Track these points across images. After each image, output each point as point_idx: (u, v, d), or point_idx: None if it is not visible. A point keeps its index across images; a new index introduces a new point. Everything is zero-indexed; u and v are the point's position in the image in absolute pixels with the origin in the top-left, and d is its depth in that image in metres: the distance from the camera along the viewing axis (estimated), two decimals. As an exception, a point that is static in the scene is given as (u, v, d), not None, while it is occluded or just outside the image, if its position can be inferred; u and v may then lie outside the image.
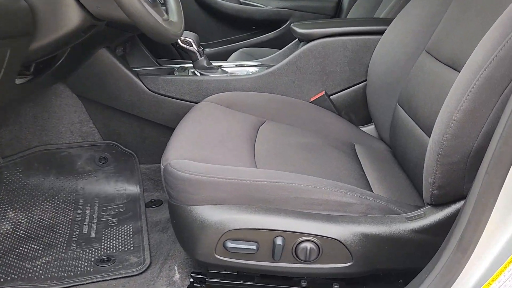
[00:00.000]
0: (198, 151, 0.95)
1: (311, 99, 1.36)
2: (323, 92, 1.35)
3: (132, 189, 1.43)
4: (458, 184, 0.77)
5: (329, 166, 1.03)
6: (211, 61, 1.47)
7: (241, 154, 0.99)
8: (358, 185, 0.98)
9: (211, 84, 1.37)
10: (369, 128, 1.34)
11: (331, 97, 1.36)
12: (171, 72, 1.47)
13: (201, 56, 1.40)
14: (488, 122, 0.71)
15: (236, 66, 1.51)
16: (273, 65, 1.38)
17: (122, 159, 1.47)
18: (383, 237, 0.82)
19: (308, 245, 0.81)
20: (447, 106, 0.75)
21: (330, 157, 1.08)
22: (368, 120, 1.37)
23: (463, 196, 0.79)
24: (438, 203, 0.81)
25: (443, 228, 0.80)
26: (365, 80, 1.35)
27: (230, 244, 0.82)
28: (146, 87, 1.37)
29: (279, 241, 0.81)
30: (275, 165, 0.98)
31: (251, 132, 1.14)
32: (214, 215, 0.82)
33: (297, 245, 0.81)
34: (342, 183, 0.88)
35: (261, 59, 1.54)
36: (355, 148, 1.21)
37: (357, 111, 1.38)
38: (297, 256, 0.82)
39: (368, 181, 1.02)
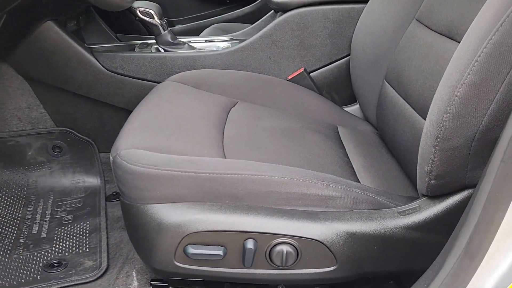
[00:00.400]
0: (155, 139, 0.81)
1: (289, 77, 1.22)
2: (302, 69, 1.21)
3: (92, 181, 1.28)
4: (460, 173, 0.65)
5: (309, 153, 0.90)
6: (179, 37, 1.31)
7: (207, 142, 0.85)
8: (343, 174, 0.85)
9: (176, 61, 1.21)
10: (354, 108, 1.21)
11: (311, 74, 1.23)
12: (131, 48, 1.31)
13: (164, 30, 1.24)
14: (498, 98, 0.59)
15: (206, 41, 1.35)
16: (246, 39, 1.23)
17: (79, 147, 1.31)
18: (372, 236, 0.70)
19: (285, 248, 0.68)
20: (447, 80, 0.63)
21: (311, 143, 0.95)
22: (352, 100, 1.24)
23: (465, 186, 0.67)
24: (436, 195, 0.70)
25: (442, 224, 0.69)
26: (349, 55, 1.21)
27: (192, 250, 0.68)
28: (102, 66, 1.21)
29: (250, 244, 0.68)
30: (247, 154, 0.84)
31: (221, 115, 1.00)
32: (172, 216, 0.69)
33: (272, 248, 0.69)
34: (323, 173, 0.75)
35: (233, 34, 1.39)
36: (338, 131, 1.08)
37: (340, 89, 1.25)
38: (271, 261, 0.69)
39: (354, 169, 0.90)
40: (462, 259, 0.52)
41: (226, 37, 1.36)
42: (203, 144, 0.84)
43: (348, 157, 0.95)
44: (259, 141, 0.91)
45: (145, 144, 0.78)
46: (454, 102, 0.60)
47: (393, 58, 1.00)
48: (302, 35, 1.19)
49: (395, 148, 0.96)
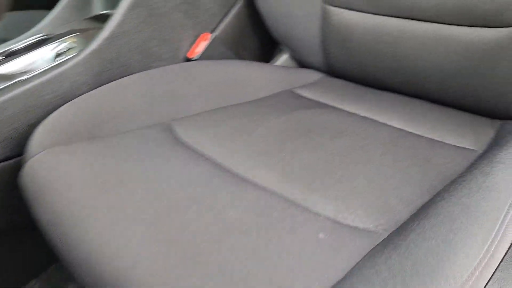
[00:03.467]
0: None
1: (190, 55, 0.79)
2: (209, 35, 0.79)
3: None
4: None
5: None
6: None
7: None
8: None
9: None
10: (282, 61, 0.90)
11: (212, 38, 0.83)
12: None
13: None
14: None
15: (6, 57, 0.73)
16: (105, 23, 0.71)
17: None
18: None
19: None
20: None
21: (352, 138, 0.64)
22: (269, 54, 0.92)
23: None
24: None
25: None
26: None
27: None
28: None
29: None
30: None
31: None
32: None
33: None
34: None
35: (36, 28, 0.80)
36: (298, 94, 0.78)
37: (247, 43, 0.90)
38: None
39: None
40: None
41: (35, 36, 0.77)
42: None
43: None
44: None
45: None
46: None
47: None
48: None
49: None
